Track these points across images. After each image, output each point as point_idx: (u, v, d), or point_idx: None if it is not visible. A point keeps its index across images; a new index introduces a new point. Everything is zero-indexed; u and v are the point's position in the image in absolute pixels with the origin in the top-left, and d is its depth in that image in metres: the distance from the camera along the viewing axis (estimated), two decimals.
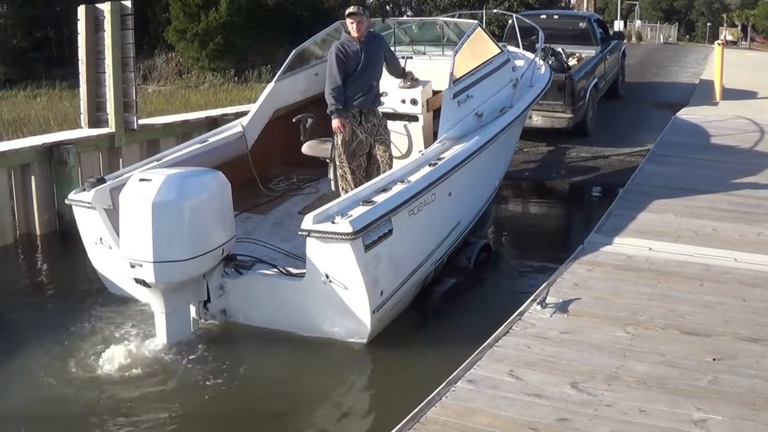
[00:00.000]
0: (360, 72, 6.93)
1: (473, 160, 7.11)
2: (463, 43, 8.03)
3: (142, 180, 5.58)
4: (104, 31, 9.36)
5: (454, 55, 7.67)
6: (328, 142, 7.49)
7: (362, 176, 7.04)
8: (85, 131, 9.58)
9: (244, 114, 8.45)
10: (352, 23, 6.89)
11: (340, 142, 7.00)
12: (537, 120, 12.00)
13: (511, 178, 10.58)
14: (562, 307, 5.63)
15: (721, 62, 15.92)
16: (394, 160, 8.04)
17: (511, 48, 10.29)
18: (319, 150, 7.66)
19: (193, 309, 5.99)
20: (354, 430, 5.07)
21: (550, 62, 11.69)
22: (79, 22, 9.53)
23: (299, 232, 5.63)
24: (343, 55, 6.89)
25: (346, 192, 6.73)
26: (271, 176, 8.04)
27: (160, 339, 5.76)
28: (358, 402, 5.40)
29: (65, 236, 8.37)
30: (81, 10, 9.51)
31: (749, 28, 58.56)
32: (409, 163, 6.68)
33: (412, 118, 8.05)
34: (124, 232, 5.60)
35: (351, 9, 7.02)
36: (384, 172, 6.81)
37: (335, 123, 6.90)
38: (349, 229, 5.38)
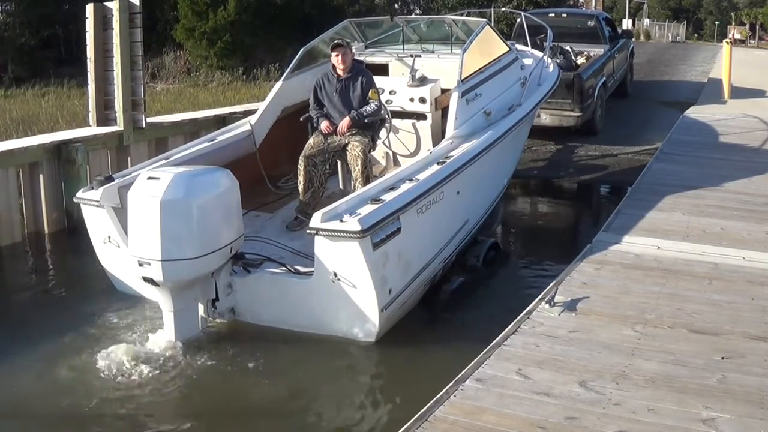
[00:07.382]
0: (333, 104, 7.20)
1: (482, 158, 7.10)
2: (472, 41, 8.02)
3: (150, 178, 5.58)
4: (113, 29, 9.38)
5: (463, 53, 7.67)
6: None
7: (323, 172, 7.17)
8: (93, 129, 9.59)
9: (252, 112, 8.45)
10: (336, 56, 7.13)
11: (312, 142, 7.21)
12: (545, 118, 12.00)
13: (520, 177, 10.59)
14: (571, 306, 5.63)
15: (729, 61, 15.88)
16: (401, 158, 8.07)
17: (519, 46, 10.27)
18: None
19: (201, 307, 6.00)
20: (362, 428, 5.06)
21: (558, 61, 11.68)
22: (87, 21, 9.55)
23: (307, 231, 5.64)
24: (320, 89, 7.29)
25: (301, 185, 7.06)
26: (279, 174, 8.03)
27: (168, 337, 5.77)
28: (367, 400, 5.39)
29: (73, 234, 8.38)
30: (89, 8, 9.53)
31: (758, 27, 58.26)
32: (418, 162, 6.68)
33: (421, 116, 8.05)
34: (132, 231, 5.60)
35: (336, 41, 7.34)
36: (356, 164, 6.92)
37: (323, 125, 7.14)
38: (358, 228, 5.38)
